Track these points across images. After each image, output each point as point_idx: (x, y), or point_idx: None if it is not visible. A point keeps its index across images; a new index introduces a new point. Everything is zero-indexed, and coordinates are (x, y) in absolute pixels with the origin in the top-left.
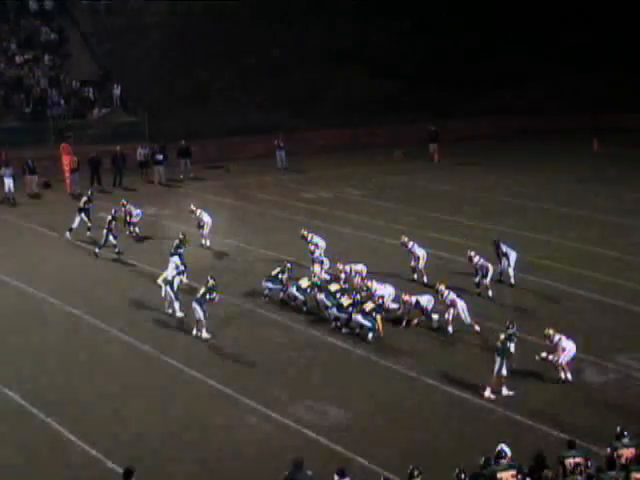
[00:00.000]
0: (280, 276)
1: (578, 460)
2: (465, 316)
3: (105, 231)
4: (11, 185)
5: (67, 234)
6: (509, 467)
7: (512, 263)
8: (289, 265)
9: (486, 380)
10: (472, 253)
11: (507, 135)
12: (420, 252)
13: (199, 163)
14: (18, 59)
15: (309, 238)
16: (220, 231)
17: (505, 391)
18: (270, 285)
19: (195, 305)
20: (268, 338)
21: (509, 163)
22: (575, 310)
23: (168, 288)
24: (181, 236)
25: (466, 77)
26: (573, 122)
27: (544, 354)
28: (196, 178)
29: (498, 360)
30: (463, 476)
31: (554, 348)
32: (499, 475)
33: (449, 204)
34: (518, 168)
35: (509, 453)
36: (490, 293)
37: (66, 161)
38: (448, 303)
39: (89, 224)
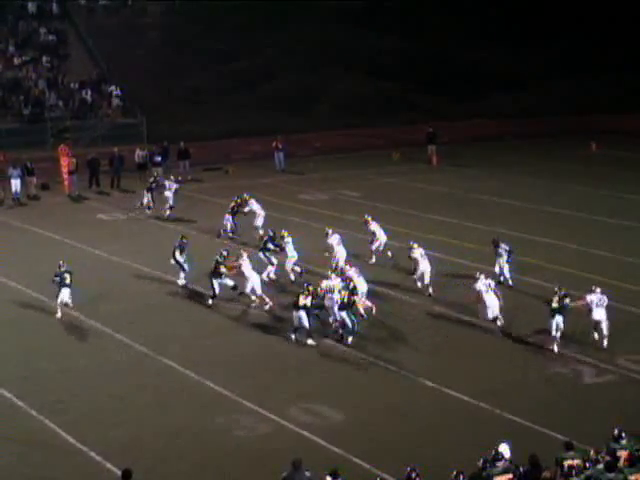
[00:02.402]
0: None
1: (576, 462)
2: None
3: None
4: (18, 186)
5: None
6: (505, 471)
7: (505, 265)
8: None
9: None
10: (415, 245)
11: (505, 137)
12: (378, 231)
13: (198, 165)
14: (16, 60)
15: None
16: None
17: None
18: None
19: (301, 314)
20: (264, 341)
21: (506, 165)
22: (573, 311)
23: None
24: (270, 233)
25: (464, 80)
26: (571, 124)
27: None
28: (194, 180)
29: (558, 319)
30: (461, 478)
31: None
32: (496, 479)
33: (446, 205)
34: (515, 170)
35: (509, 453)
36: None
37: (64, 163)
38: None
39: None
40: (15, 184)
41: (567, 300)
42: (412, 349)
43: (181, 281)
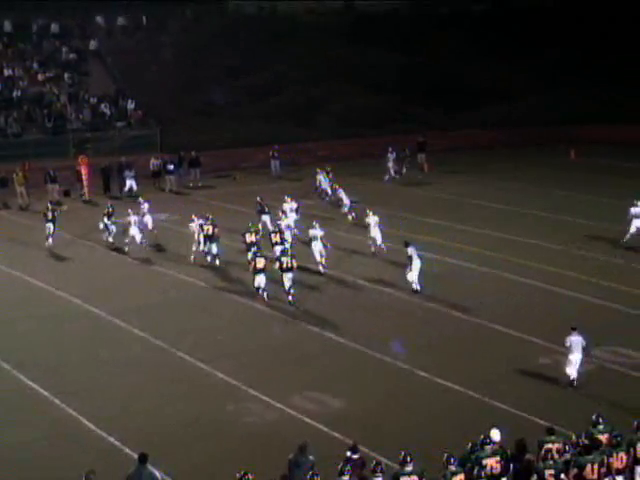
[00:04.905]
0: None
1: (557, 445)
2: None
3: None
4: (133, 184)
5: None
6: (493, 453)
7: (415, 269)
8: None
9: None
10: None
11: (491, 146)
12: (344, 197)
13: (208, 172)
14: (40, 77)
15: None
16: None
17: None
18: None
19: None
20: (268, 333)
21: (495, 172)
22: (555, 307)
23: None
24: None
25: (457, 93)
26: (553, 134)
27: None
28: (205, 186)
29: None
30: (452, 460)
31: None
32: (484, 462)
33: (437, 210)
34: (501, 177)
35: (499, 438)
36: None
37: (85, 171)
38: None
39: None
40: (130, 184)
41: None
42: (407, 342)
43: (110, 239)
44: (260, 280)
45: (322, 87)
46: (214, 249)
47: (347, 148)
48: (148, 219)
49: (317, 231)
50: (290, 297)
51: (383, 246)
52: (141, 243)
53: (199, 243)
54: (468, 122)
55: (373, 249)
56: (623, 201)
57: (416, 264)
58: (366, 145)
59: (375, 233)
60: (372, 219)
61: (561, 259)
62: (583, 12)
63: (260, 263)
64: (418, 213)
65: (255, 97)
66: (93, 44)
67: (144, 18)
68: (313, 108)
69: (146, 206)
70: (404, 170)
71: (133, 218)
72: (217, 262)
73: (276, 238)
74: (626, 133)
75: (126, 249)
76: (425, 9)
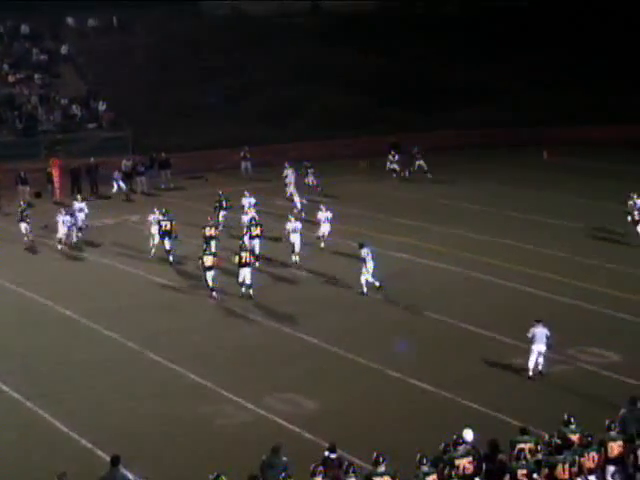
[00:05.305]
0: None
1: (529, 445)
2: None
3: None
4: (122, 185)
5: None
6: (466, 454)
7: (369, 270)
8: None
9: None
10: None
11: (466, 147)
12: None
13: (181, 174)
14: (11, 78)
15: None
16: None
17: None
18: None
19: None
20: (242, 335)
21: (468, 172)
22: (528, 307)
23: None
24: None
25: (432, 94)
26: (526, 135)
27: None
28: (176, 187)
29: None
30: (425, 461)
31: None
32: (457, 462)
33: (410, 210)
34: (475, 177)
35: (471, 437)
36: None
37: (56, 173)
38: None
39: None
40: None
41: None
42: (379, 343)
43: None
44: (210, 277)
45: (296, 89)
46: (167, 244)
47: (321, 149)
48: (77, 217)
49: (295, 224)
50: (244, 290)
51: (329, 238)
52: (70, 240)
53: (154, 238)
54: (442, 123)
55: (322, 244)
56: (596, 201)
57: (370, 266)
58: (341, 146)
59: (325, 228)
60: (323, 214)
61: (533, 259)
62: (557, 13)
63: (208, 261)
64: (390, 213)
65: (229, 99)
66: (64, 49)
67: (115, 19)
68: (287, 110)
69: (79, 205)
70: (413, 168)
71: (62, 218)
72: (171, 258)
73: (256, 231)
74: (598, 134)
75: (59, 247)
76: (398, 10)
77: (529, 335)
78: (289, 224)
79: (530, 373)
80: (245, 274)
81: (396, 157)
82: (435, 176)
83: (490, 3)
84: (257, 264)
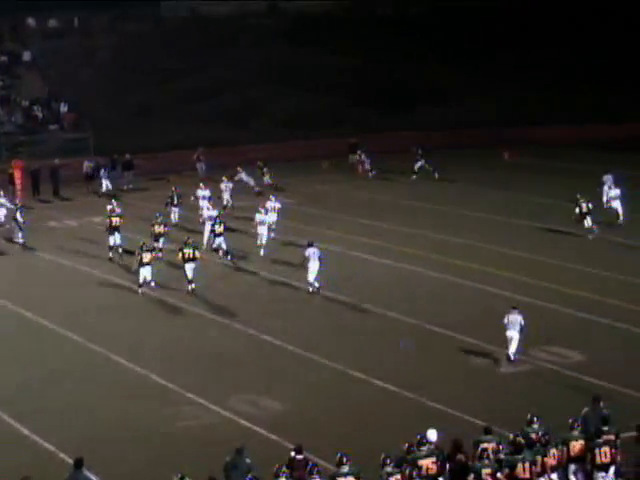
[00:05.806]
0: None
1: (492, 445)
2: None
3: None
4: (108, 184)
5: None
6: (429, 454)
7: (313, 271)
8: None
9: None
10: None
11: (428, 148)
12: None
13: (143, 175)
14: None
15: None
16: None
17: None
18: None
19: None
20: (205, 336)
21: (427, 173)
22: (491, 308)
23: None
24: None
25: (393, 95)
26: (487, 135)
27: None
28: (139, 189)
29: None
30: (389, 461)
31: None
32: (420, 462)
33: (372, 211)
34: (438, 178)
35: (435, 438)
36: None
37: (18, 175)
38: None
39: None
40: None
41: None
42: (342, 344)
43: (19, 240)
44: (145, 273)
45: (258, 89)
46: (111, 240)
47: (283, 150)
48: None
49: (265, 217)
50: (190, 286)
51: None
52: None
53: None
54: (404, 124)
55: (272, 234)
56: (556, 200)
57: (314, 266)
58: (303, 147)
59: (272, 217)
60: (271, 204)
61: (496, 259)
62: (525, 14)
63: (146, 257)
64: (353, 214)
65: (191, 100)
66: (25, 50)
67: (76, 20)
68: (249, 110)
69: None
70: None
71: None
72: (120, 251)
73: (220, 229)
74: (558, 134)
75: None
76: (362, 11)
77: (505, 321)
78: (258, 215)
79: (508, 354)
80: (189, 270)
81: (362, 156)
82: (397, 177)
83: (457, 4)
84: (229, 258)
